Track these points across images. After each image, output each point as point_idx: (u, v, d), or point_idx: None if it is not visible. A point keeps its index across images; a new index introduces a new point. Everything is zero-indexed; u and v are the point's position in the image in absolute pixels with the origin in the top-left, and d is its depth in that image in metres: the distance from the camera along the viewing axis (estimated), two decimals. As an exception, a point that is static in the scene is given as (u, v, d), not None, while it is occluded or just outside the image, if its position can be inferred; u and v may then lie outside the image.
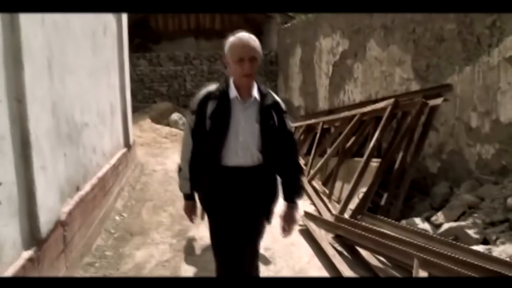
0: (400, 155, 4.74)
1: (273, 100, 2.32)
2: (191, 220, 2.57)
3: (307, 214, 4.52)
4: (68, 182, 3.67)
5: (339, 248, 3.83)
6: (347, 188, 4.69)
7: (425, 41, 5.42)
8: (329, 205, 4.76)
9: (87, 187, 4.14)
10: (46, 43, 3.02)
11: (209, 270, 3.47)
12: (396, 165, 4.71)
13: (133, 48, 7.67)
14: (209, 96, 2.28)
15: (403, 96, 5.39)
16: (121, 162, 5.92)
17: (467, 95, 4.62)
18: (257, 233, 2.43)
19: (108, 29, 5.65)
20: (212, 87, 2.33)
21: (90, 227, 4.08)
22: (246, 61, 2.17)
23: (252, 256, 2.43)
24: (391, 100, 5.05)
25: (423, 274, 2.75)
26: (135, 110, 8.60)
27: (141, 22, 13.07)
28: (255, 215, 2.38)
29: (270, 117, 2.28)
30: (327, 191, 5.33)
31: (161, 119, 11.19)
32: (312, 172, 5.95)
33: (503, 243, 3.13)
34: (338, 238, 3.92)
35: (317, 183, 5.75)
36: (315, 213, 4.66)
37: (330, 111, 7.84)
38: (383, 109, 5.12)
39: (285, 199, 2.46)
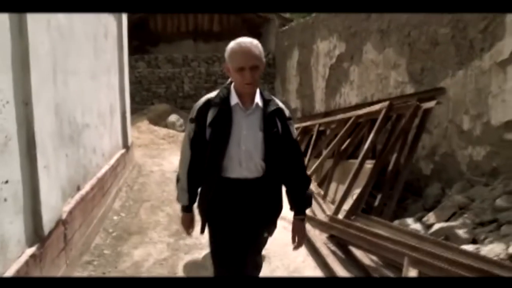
0: (394, 156, 4.84)
1: (276, 107, 2.20)
2: (188, 233, 2.46)
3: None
4: (69, 182, 3.75)
5: (333, 248, 3.93)
6: (342, 189, 4.79)
7: (420, 44, 5.53)
8: (324, 206, 4.86)
9: (87, 187, 4.23)
10: (51, 48, 3.11)
11: (206, 268, 3.57)
12: (390, 167, 4.81)
13: (131, 50, 7.75)
14: (209, 104, 2.16)
15: (397, 99, 5.49)
16: (120, 162, 6.00)
17: (460, 98, 4.73)
18: (260, 245, 2.36)
19: (109, 32, 5.75)
20: (212, 94, 2.22)
21: (89, 226, 4.17)
22: (247, 70, 2.05)
23: (255, 267, 2.36)
24: (386, 103, 5.15)
25: (413, 272, 2.85)
26: (133, 111, 8.68)
27: (139, 24, 13.15)
28: (258, 227, 2.28)
29: (273, 124, 2.17)
30: (322, 192, 5.43)
31: (159, 120, 11.28)
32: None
33: (491, 242, 3.22)
34: (332, 238, 4.02)
35: (312, 184, 5.84)
36: (310, 214, 4.75)
37: (326, 113, 7.95)
38: (378, 111, 5.22)
39: (294, 210, 2.34)
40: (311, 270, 3.66)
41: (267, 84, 13.18)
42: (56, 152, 3.23)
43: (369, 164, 4.78)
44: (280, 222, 2.41)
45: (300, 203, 2.32)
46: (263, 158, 2.17)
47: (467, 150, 4.61)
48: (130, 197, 5.72)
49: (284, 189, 2.33)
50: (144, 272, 3.65)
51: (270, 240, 2.46)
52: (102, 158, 5.10)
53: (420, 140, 4.94)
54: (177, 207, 5.20)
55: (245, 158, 2.15)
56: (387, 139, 5.04)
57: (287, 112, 2.26)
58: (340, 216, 4.32)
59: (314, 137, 6.99)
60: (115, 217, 4.94)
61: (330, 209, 4.73)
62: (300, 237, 2.34)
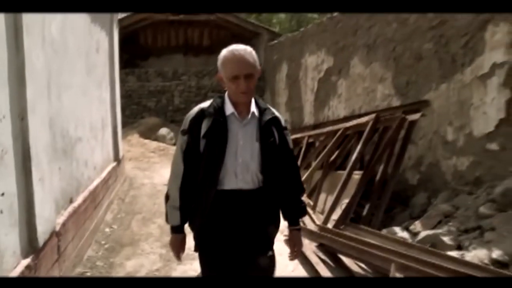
0: (381, 167, 4.96)
1: (273, 115, 2.11)
2: (179, 257, 2.26)
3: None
4: (62, 195, 3.80)
5: (323, 257, 4.00)
6: (331, 199, 4.89)
7: (405, 59, 5.70)
8: (313, 216, 4.94)
9: (79, 200, 4.27)
10: (45, 63, 3.19)
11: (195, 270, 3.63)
12: (378, 177, 4.93)
13: (121, 64, 7.83)
14: (202, 114, 2.05)
15: (384, 111, 5.64)
16: (111, 175, 6.05)
17: (443, 111, 4.88)
18: (268, 267, 2.18)
19: (101, 47, 5.84)
20: (205, 104, 2.11)
21: (82, 238, 4.20)
22: (242, 79, 1.96)
23: None
24: (373, 115, 5.29)
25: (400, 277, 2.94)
26: (123, 125, 8.73)
27: (130, 39, 13.26)
28: (259, 244, 2.14)
29: (270, 134, 2.09)
30: (311, 203, 5.52)
31: (150, 134, 11.34)
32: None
33: (474, 248, 3.34)
34: (321, 247, 4.10)
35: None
36: (300, 224, 4.84)
37: (315, 126, 8.08)
38: (365, 123, 5.36)
39: (289, 220, 2.26)
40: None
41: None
42: (50, 165, 3.29)
43: (357, 175, 4.90)
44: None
45: (296, 213, 2.26)
46: (260, 169, 2.08)
47: (451, 160, 4.75)
48: (122, 210, 5.76)
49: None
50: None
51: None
52: (94, 171, 5.15)
53: (406, 151, 5.07)
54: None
55: (241, 170, 2.05)
56: (374, 150, 5.16)
57: (283, 121, 2.18)
58: (329, 225, 4.41)
59: (303, 149, 7.10)
60: (107, 229, 4.98)
61: (319, 219, 4.81)
62: (298, 247, 2.27)
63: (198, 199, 2.09)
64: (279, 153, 2.12)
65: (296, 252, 2.29)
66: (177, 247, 2.22)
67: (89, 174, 4.91)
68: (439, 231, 3.81)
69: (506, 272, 2.85)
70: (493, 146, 4.14)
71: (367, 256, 3.53)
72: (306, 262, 3.93)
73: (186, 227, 2.20)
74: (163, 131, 11.40)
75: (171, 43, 14.42)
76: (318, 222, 4.63)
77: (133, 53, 13.74)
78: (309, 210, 5.23)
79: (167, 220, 2.21)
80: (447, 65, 4.84)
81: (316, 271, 3.70)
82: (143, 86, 13.31)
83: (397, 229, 4.25)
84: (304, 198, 5.71)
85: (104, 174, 5.59)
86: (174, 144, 10.79)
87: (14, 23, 2.66)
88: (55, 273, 3.33)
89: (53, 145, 3.47)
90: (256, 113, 2.10)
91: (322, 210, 5.25)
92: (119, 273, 3.90)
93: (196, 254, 2.17)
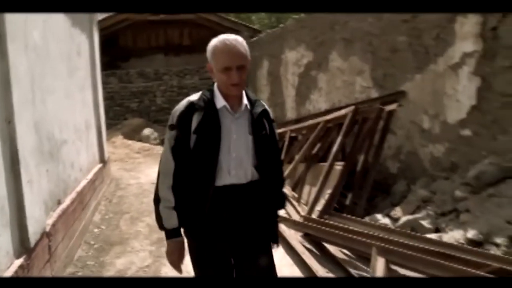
0: (362, 157, 5.12)
1: (263, 108, 2.06)
2: (179, 268, 2.07)
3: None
4: (50, 196, 3.86)
5: (308, 246, 4.14)
6: (315, 191, 5.03)
7: (381, 52, 5.86)
8: (298, 208, 5.08)
9: (67, 201, 4.33)
10: (29, 68, 3.25)
11: (188, 272, 3.73)
12: (359, 167, 5.09)
13: (102, 66, 7.84)
14: (192, 107, 1.95)
15: (362, 103, 5.80)
16: (97, 177, 6.09)
17: (419, 100, 5.05)
18: (272, 266, 2.13)
19: (82, 50, 5.87)
20: (194, 97, 2.00)
21: (71, 239, 4.27)
22: (234, 70, 1.87)
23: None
24: (352, 108, 5.44)
25: (380, 261, 3.08)
26: (107, 127, 8.72)
27: (109, 40, 13.21)
28: (260, 244, 2.10)
29: (262, 126, 2.04)
30: (296, 195, 5.65)
31: (133, 135, 11.36)
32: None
33: (451, 229, 3.51)
34: (307, 236, 4.23)
35: (286, 188, 6.07)
36: (285, 215, 4.97)
37: (297, 120, 8.21)
38: (345, 116, 5.50)
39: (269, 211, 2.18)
40: (289, 267, 3.86)
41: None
42: (37, 167, 3.35)
43: (338, 166, 5.04)
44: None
45: (277, 205, 2.21)
46: (254, 163, 2.02)
47: (428, 148, 4.93)
48: (110, 210, 5.81)
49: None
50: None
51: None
52: (80, 172, 5.20)
53: (385, 141, 5.23)
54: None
55: (234, 165, 1.98)
56: (355, 142, 5.32)
57: (271, 113, 2.14)
58: (314, 215, 4.55)
59: (286, 143, 7.23)
60: (95, 230, 5.04)
61: (304, 210, 4.95)
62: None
63: (191, 198, 1.98)
64: (270, 146, 2.08)
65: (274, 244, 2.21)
66: (178, 254, 2.03)
67: (76, 175, 4.96)
68: (418, 215, 3.98)
69: (480, 250, 3.02)
70: (466, 132, 4.31)
71: (350, 243, 3.68)
72: (292, 251, 4.06)
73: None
74: (147, 131, 11.43)
75: (151, 43, 14.40)
76: (302, 213, 4.77)
77: (113, 55, 13.69)
78: (294, 202, 5.37)
79: (161, 225, 2.01)
80: (421, 57, 5.01)
81: (302, 260, 3.83)
82: (125, 87, 13.30)
83: (379, 216, 4.41)
84: (289, 191, 5.87)
85: (90, 175, 5.63)
86: (158, 144, 10.86)
87: (-1, 29, 2.73)
88: (47, 273, 3.39)
89: (39, 148, 3.53)
90: (248, 105, 2.02)
91: (307, 202, 5.39)
92: (110, 271, 3.98)
93: (186, 251, 2.06)
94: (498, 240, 3.11)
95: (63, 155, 4.45)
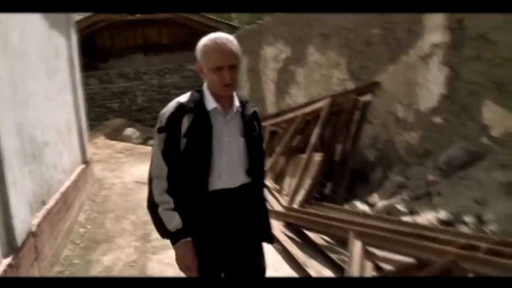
0: (340, 147, 5.27)
1: (254, 109, 2.02)
2: (196, 273, 1.90)
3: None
4: (34, 197, 3.91)
5: (290, 234, 4.27)
6: (295, 182, 5.16)
7: (357, 45, 6.02)
8: (280, 199, 5.21)
9: (51, 202, 4.38)
10: (9, 71, 3.30)
11: (173, 265, 3.83)
12: (337, 157, 5.24)
13: (81, 68, 7.85)
14: (182, 109, 1.87)
15: (339, 95, 5.95)
16: (81, 177, 6.13)
17: (393, 90, 5.23)
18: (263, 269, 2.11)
19: (61, 52, 5.90)
20: (183, 98, 1.92)
21: (57, 238, 4.32)
22: (226, 70, 1.81)
23: None
24: (328, 100, 5.59)
25: (357, 244, 3.23)
26: (88, 128, 8.75)
27: (87, 42, 13.13)
28: (252, 248, 2.05)
29: (253, 128, 1.99)
30: (278, 187, 5.78)
31: (115, 135, 11.37)
32: (264, 171, 6.40)
33: (424, 212, 3.69)
34: (288, 225, 4.37)
35: (268, 181, 6.19)
36: (268, 206, 5.10)
37: (277, 114, 8.34)
38: (322, 108, 5.65)
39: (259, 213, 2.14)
40: (272, 255, 3.98)
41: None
42: (21, 169, 3.41)
43: (317, 157, 5.19)
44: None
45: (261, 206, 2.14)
46: (246, 166, 1.96)
47: (403, 136, 5.11)
48: (94, 210, 5.86)
49: None
50: (115, 275, 3.86)
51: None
52: (63, 173, 5.24)
53: (362, 131, 5.40)
54: (142, 214, 5.50)
55: (226, 168, 1.91)
56: (332, 132, 5.47)
57: (259, 113, 2.09)
58: (295, 205, 4.69)
59: (267, 137, 7.35)
60: (81, 229, 5.09)
61: (286, 201, 5.08)
62: None
63: (182, 204, 1.89)
64: (260, 148, 2.05)
65: None
66: (190, 258, 1.88)
67: (59, 177, 5.01)
68: (394, 200, 4.16)
69: (449, 228, 3.20)
70: (438, 119, 4.49)
71: (329, 229, 3.83)
72: (275, 240, 4.19)
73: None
74: (129, 131, 11.46)
75: (130, 43, 14.38)
76: (284, 204, 4.90)
77: (92, 56, 13.63)
78: (276, 193, 5.50)
79: (164, 230, 1.89)
80: (393, 49, 5.19)
81: (285, 248, 3.96)
82: (105, 88, 13.29)
83: (357, 203, 4.58)
84: (271, 183, 6.00)
85: (73, 176, 5.67)
86: (141, 143, 10.89)
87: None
88: (35, 271, 3.46)
89: (22, 150, 3.58)
90: (239, 107, 1.96)
91: (288, 193, 5.52)
92: (97, 268, 4.05)
93: (169, 243, 1.95)
94: (467, 219, 3.29)
95: (46, 157, 4.49)
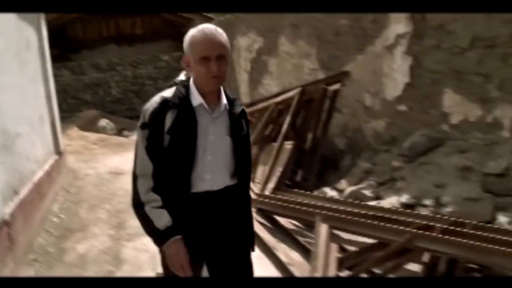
0: (310, 135, 5.42)
1: (242, 107, 1.94)
2: (190, 271, 1.79)
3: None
4: (7, 187, 3.94)
5: (262, 220, 4.41)
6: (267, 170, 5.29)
7: (326, 35, 6.17)
8: (253, 187, 5.33)
9: (24, 191, 4.40)
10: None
11: (147, 251, 3.93)
12: (308, 145, 5.39)
13: (52, 59, 7.77)
14: (166, 104, 1.78)
15: (310, 85, 6.09)
16: (54, 168, 6.12)
17: (361, 79, 5.40)
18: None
19: (31, 44, 5.85)
20: (168, 93, 1.83)
21: (31, 228, 4.35)
22: (213, 60, 1.73)
23: None
24: (299, 89, 5.72)
25: (323, 226, 3.39)
26: (62, 120, 8.67)
27: (58, 32, 12.93)
28: (238, 252, 1.96)
29: (241, 127, 1.90)
30: (252, 175, 5.90)
31: (89, 126, 11.26)
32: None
33: (389, 196, 3.87)
34: (260, 211, 4.50)
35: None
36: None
37: (250, 104, 8.45)
38: (292, 97, 5.78)
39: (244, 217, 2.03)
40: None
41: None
42: (-8, 159, 3.44)
43: (288, 145, 5.33)
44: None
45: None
46: (232, 167, 1.88)
47: (371, 123, 5.29)
48: (68, 200, 5.88)
49: None
50: (90, 262, 3.93)
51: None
52: (36, 164, 5.24)
53: (331, 119, 5.56)
54: (116, 202, 5.56)
55: (210, 170, 1.82)
56: (303, 121, 5.61)
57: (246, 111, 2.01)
58: (267, 192, 4.82)
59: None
60: (55, 219, 5.11)
61: (258, 188, 5.21)
62: None
63: (167, 204, 1.80)
64: (247, 148, 1.96)
65: None
66: (182, 256, 1.77)
67: (32, 167, 5.01)
68: (361, 186, 4.33)
69: (409, 211, 3.38)
70: (403, 107, 4.69)
71: (298, 214, 3.97)
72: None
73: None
74: (103, 122, 11.37)
75: (102, 34, 14.18)
76: (256, 191, 5.03)
77: (63, 46, 13.42)
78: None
79: (152, 229, 1.78)
80: (361, 39, 5.35)
81: (256, 233, 4.09)
82: (78, 79, 13.11)
83: (327, 189, 4.74)
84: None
85: (46, 166, 5.67)
86: (116, 134, 10.84)
87: None
88: (9, 259, 3.50)
89: (-6, 141, 3.61)
90: (227, 105, 1.87)
91: (261, 181, 5.65)
92: (71, 255, 4.11)
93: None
94: (427, 201, 3.49)
95: (18, 148, 4.50)
